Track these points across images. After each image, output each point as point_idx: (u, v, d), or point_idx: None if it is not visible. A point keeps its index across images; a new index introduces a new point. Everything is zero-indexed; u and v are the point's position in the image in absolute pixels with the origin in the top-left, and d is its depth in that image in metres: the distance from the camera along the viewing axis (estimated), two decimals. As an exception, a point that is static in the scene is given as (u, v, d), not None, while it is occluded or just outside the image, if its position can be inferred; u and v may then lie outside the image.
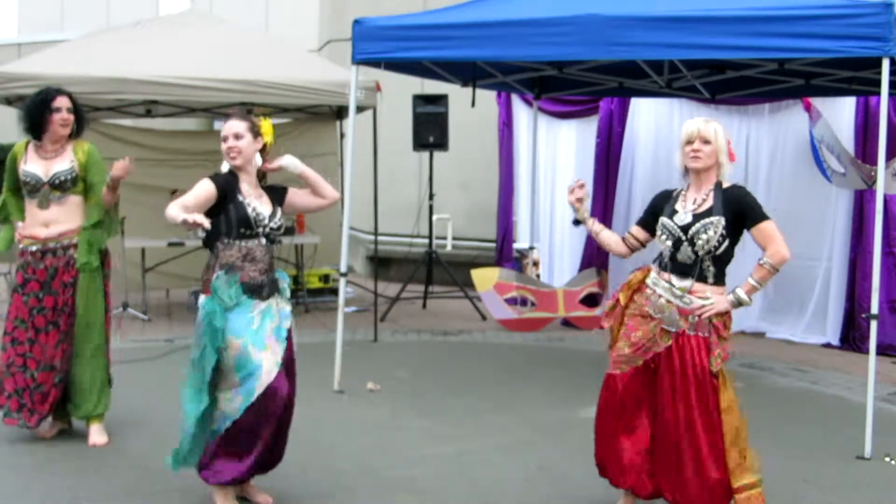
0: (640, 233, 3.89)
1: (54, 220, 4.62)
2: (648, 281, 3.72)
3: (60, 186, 4.59)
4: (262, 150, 3.91)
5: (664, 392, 3.60)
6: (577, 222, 4.00)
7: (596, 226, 3.98)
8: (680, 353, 3.57)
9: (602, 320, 3.88)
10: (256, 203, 3.83)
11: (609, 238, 3.99)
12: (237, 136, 3.79)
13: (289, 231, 8.23)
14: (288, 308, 3.92)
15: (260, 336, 3.74)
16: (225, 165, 3.84)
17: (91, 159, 4.66)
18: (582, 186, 3.92)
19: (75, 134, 4.72)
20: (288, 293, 3.94)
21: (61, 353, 4.64)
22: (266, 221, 3.83)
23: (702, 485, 3.54)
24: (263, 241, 3.83)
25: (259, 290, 3.78)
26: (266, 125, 3.91)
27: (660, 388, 3.62)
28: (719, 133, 3.62)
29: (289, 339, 3.87)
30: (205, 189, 3.72)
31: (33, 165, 4.61)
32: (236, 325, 3.71)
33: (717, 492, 3.55)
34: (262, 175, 3.96)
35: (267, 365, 3.72)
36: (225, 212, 3.75)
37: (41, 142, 4.66)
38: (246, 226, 3.76)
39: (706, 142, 3.61)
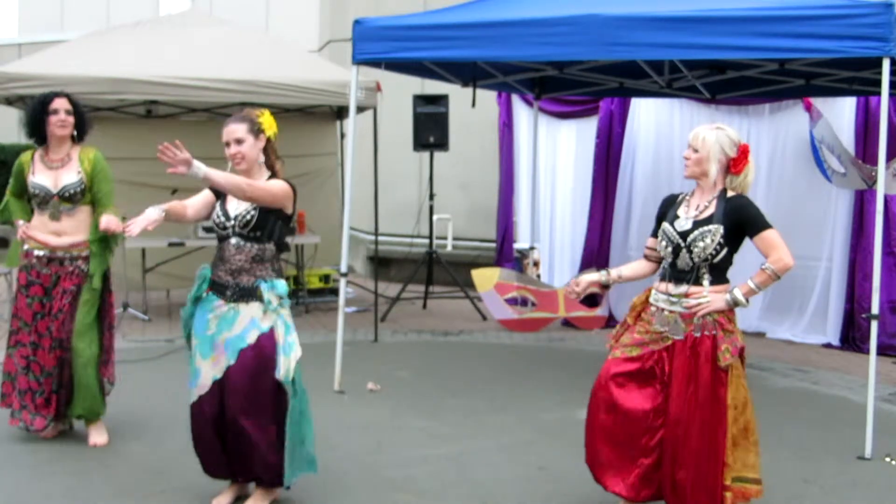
0: (655, 243, 3.86)
1: (65, 231, 4.61)
2: (651, 299, 3.73)
3: (71, 199, 4.58)
4: (269, 144, 3.80)
5: (675, 392, 3.56)
6: (605, 286, 3.99)
7: (614, 273, 3.93)
8: (684, 354, 3.56)
9: (607, 345, 3.86)
10: (233, 204, 3.75)
11: (632, 269, 3.97)
12: (238, 141, 3.70)
13: (289, 231, 8.20)
14: (267, 322, 3.70)
15: (208, 343, 3.72)
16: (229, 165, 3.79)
17: (96, 168, 4.61)
18: (577, 284, 3.90)
19: (78, 138, 4.68)
20: (273, 303, 3.70)
21: (55, 360, 4.61)
22: (229, 222, 3.73)
23: (695, 481, 3.52)
24: (234, 240, 3.72)
25: (223, 290, 3.73)
26: (267, 119, 3.78)
27: (669, 391, 3.59)
28: (709, 142, 3.59)
29: (252, 351, 3.66)
30: (203, 194, 3.85)
31: (41, 177, 4.59)
32: (198, 321, 3.77)
33: (708, 486, 3.54)
34: (271, 168, 3.84)
35: (203, 379, 3.72)
36: None
37: (46, 146, 4.64)
38: (216, 228, 3.79)
39: (694, 150, 3.63)
